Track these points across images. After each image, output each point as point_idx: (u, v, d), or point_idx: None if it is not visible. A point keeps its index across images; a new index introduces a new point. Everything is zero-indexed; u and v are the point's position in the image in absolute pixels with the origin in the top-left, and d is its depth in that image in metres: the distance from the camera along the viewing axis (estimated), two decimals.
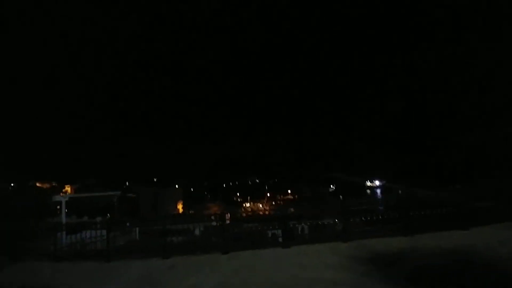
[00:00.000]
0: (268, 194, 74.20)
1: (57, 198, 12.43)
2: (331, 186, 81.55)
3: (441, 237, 6.84)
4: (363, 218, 7.42)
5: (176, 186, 54.64)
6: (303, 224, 13.80)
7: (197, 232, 13.86)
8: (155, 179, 55.01)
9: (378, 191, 72.06)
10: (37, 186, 35.85)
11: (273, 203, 69.00)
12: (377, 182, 79.62)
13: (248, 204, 66.23)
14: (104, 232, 10.65)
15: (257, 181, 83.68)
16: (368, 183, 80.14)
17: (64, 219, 11.34)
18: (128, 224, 12.05)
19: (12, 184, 28.79)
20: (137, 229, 12.46)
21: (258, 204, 68.66)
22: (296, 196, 74.68)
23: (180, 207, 47.38)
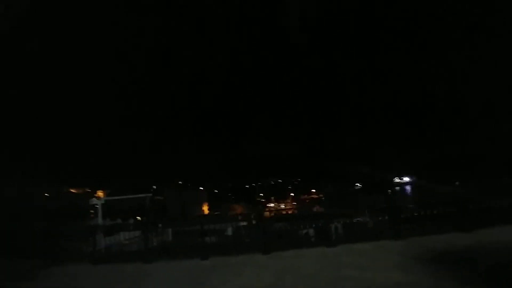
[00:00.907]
0: (292, 194, 73.31)
1: (94, 201, 12.83)
2: (357, 184, 79.04)
3: (505, 231, 6.09)
4: (415, 213, 6.79)
5: (201, 188, 55.34)
6: (336, 223, 13.13)
7: (229, 232, 13.73)
8: (180, 182, 56.06)
9: (408, 187, 68.89)
10: (71, 192, 37.65)
11: (294, 202, 68.02)
12: (406, 179, 76.10)
13: (271, 204, 65.76)
14: (138, 233, 10.73)
15: (280, 181, 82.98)
16: (397, 180, 76.74)
17: (101, 221, 11.60)
18: (160, 225, 12.11)
19: (46, 194, 30.34)
20: (170, 230, 12.51)
21: (282, 203, 68.02)
22: (321, 195, 73.18)
23: (205, 208, 47.93)
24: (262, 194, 73.02)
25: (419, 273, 4.32)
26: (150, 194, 18.09)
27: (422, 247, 5.68)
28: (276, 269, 5.32)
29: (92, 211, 13.22)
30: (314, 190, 76.53)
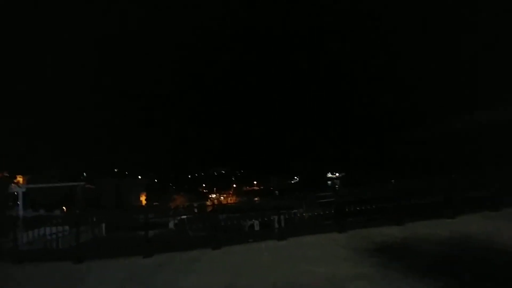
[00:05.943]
0: (234, 185, 73.98)
1: (14, 189, 10.63)
2: (295, 177, 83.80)
3: (431, 225, 6.97)
4: (357, 208, 7.33)
5: (139, 177, 51.46)
6: (278, 216, 13.53)
7: (171, 225, 12.88)
8: (115, 170, 51.15)
9: (338, 182, 75.73)
10: None
11: (231, 194, 68.78)
12: (336, 174, 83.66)
13: (214, 195, 65.31)
14: (67, 227, 9.30)
15: (223, 172, 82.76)
16: (329, 175, 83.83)
17: (21, 212, 9.68)
18: (94, 218, 10.68)
19: None
20: (104, 224, 11.14)
21: (224, 195, 68.10)
22: (262, 187, 75.44)
23: (143, 198, 44.74)
24: (204, 185, 71.88)
25: (368, 265, 4.60)
26: (83, 183, 15.80)
27: (365, 239, 6.13)
28: (230, 265, 5.10)
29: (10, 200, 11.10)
30: (255, 182, 78.51)
